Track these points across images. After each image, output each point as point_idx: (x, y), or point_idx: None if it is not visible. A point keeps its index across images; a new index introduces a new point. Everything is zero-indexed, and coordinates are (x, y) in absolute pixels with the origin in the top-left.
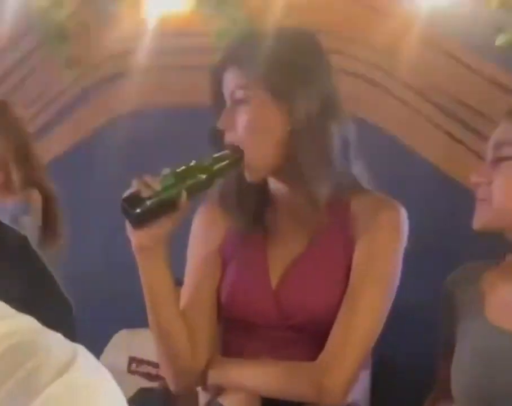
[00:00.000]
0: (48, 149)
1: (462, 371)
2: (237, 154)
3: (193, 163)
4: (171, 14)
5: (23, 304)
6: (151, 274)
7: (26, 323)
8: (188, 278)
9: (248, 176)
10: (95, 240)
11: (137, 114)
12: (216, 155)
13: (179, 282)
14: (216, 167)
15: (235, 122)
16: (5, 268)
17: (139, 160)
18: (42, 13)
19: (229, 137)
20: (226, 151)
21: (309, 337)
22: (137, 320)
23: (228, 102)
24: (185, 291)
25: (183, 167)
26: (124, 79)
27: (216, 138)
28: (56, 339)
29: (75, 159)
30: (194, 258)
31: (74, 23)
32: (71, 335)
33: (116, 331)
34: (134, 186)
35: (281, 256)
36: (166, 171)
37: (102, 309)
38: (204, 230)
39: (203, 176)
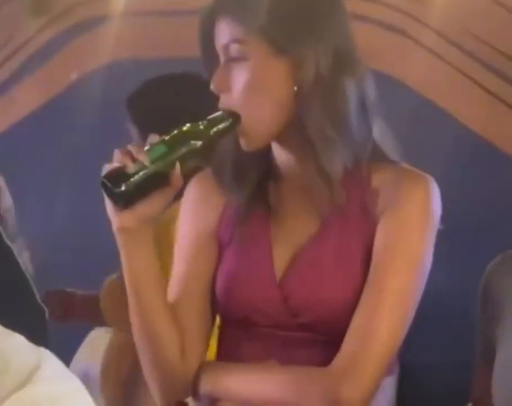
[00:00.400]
0: (9, 109)
1: (507, 379)
2: (235, 115)
3: (185, 127)
4: None
5: None
6: (136, 261)
7: None
8: (177, 265)
9: (245, 145)
10: (64, 216)
11: (112, 68)
12: (210, 117)
13: None
14: (213, 130)
15: (231, 82)
16: None
17: (114, 122)
18: None
19: (224, 101)
20: (221, 113)
21: (322, 337)
22: None
23: (222, 59)
24: (173, 281)
25: (174, 133)
26: (98, 27)
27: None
28: (18, 343)
29: (41, 121)
30: (184, 240)
31: None
32: (43, 341)
33: (91, 329)
34: (117, 159)
35: (287, 240)
36: (154, 138)
37: None
38: (197, 207)
39: (199, 143)
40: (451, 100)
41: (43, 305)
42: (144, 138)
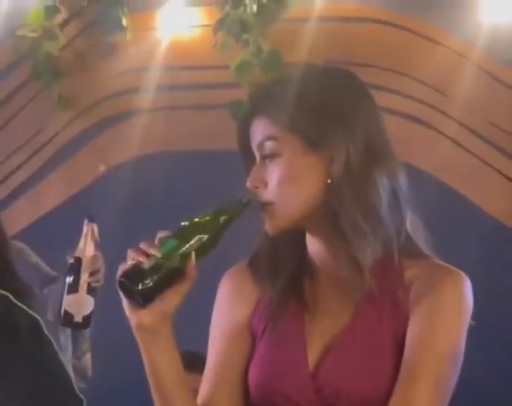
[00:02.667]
0: (36, 203)
1: None
2: (245, 200)
3: (195, 219)
4: (181, 45)
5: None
6: (157, 359)
7: None
8: (210, 358)
9: (269, 228)
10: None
11: (140, 162)
12: (219, 206)
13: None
14: (222, 219)
15: (266, 178)
16: (13, 361)
17: (143, 216)
18: (32, 44)
19: (260, 195)
20: (231, 201)
21: None
22: None
23: (257, 156)
24: (206, 374)
25: (184, 226)
26: (126, 122)
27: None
28: None
29: (68, 217)
30: (218, 332)
31: (69, 56)
32: None
33: None
34: (130, 258)
35: (320, 331)
36: (163, 233)
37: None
38: (232, 299)
39: (209, 234)
40: (475, 188)
41: (81, 396)
42: None
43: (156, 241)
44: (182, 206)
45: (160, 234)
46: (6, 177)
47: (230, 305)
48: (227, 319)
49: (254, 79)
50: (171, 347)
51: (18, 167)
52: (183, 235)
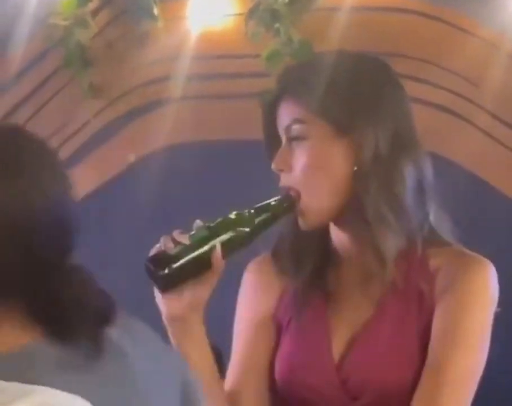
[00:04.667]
0: None
1: None
2: (286, 203)
3: (230, 214)
4: (212, 34)
5: None
6: (187, 350)
7: None
8: (236, 350)
9: (303, 224)
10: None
11: (171, 151)
12: (258, 205)
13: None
14: (259, 219)
15: (292, 161)
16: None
17: (173, 206)
18: (63, 33)
19: (284, 180)
20: (271, 200)
21: None
22: None
23: (283, 139)
24: (232, 366)
25: (219, 219)
26: (157, 110)
27: None
28: None
29: (98, 204)
30: (242, 325)
31: (99, 45)
32: None
33: None
34: (161, 244)
35: (345, 322)
36: (199, 223)
37: None
38: (256, 291)
39: (243, 230)
40: (506, 180)
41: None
42: None
43: (193, 230)
44: (212, 195)
45: (196, 224)
46: None
47: (255, 297)
48: (252, 310)
49: None
50: (202, 340)
51: None
52: (216, 227)
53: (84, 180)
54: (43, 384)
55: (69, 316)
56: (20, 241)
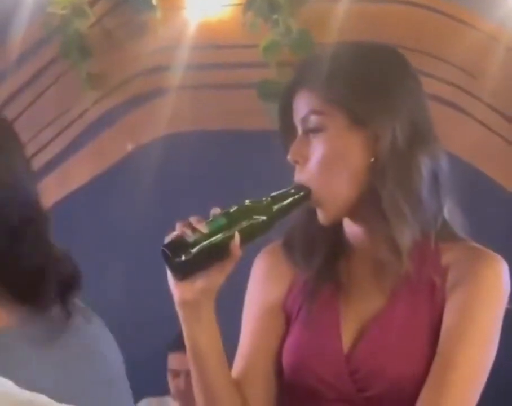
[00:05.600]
0: (65, 181)
1: None
2: (302, 192)
3: (247, 202)
4: (211, 24)
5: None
6: (198, 336)
7: None
8: (244, 337)
9: (322, 218)
10: (115, 285)
11: (169, 140)
12: (275, 193)
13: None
14: (276, 207)
15: (308, 153)
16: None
17: (171, 195)
18: (61, 22)
19: (299, 174)
20: (287, 189)
21: None
22: (161, 386)
23: (299, 130)
24: (239, 354)
25: (236, 207)
26: (156, 100)
27: None
28: None
29: (96, 194)
30: (252, 312)
31: (97, 34)
32: None
33: (138, 400)
34: (177, 230)
35: (355, 313)
36: (216, 210)
37: None
38: (266, 279)
39: (261, 218)
40: (503, 171)
41: None
42: None
43: (210, 217)
44: (210, 185)
45: (213, 211)
46: (34, 154)
47: (265, 285)
48: (261, 298)
49: (283, 59)
50: (212, 327)
51: (47, 144)
52: (233, 215)
53: (82, 169)
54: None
55: (35, 283)
56: None
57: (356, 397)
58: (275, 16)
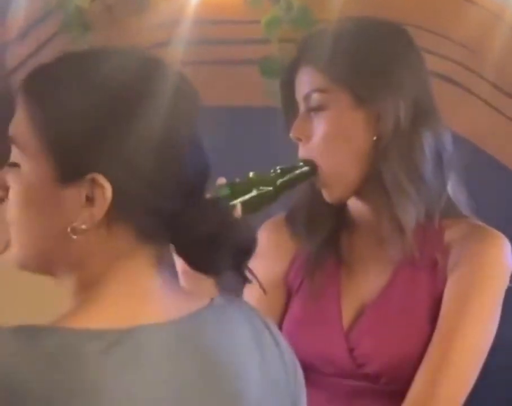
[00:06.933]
0: None
1: None
2: (309, 166)
3: (252, 174)
4: (212, 0)
5: None
6: None
7: None
8: None
9: (328, 196)
10: None
11: None
12: (282, 166)
13: None
14: (281, 180)
15: (311, 131)
16: None
17: None
18: None
19: (303, 151)
20: (295, 163)
21: (387, 388)
22: None
23: (302, 108)
24: None
25: (242, 179)
26: None
27: None
28: None
29: None
30: (254, 285)
31: (98, 9)
32: None
33: None
34: None
35: (356, 290)
36: (221, 180)
37: None
38: (269, 251)
39: (265, 190)
40: (508, 152)
41: None
42: None
43: (215, 187)
44: (212, 160)
45: (219, 181)
46: None
47: (267, 258)
48: (263, 271)
49: (284, 35)
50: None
51: None
52: (237, 186)
53: None
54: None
55: (208, 249)
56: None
57: (355, 373)
58: None
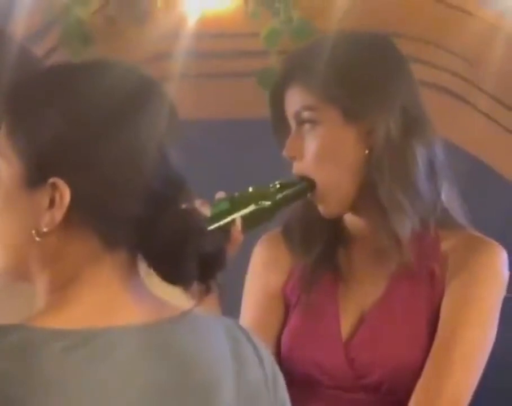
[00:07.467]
0: None
1: None
2: (307, 182)
3: (251, 189)
4: (212, 13)
5: None
6: None
7: None
8: (243, 323)
9: (324, 212)
10: None
11: None
12: (281, 181)
13: None
14: (281, 195)
15: (303, 148)
16: None
17: None
18: (62, 9)
19: (297, 167)
20: (293, 179)
21: (387, 399)
22: None
23: (292, 125)
24: None
25: (242, 192)
26: None
27: None
28: None
29: None
30: (252, 299)
31: (99, 22)
32: None
33: None
34: None
35: (354, 301)
36: (221, 194)
37: None
38: (266, 266)
39: (265, 205)
40: (505, 162)
41: None
42: None
43: (214, 201)
44: (210, 173)
45: (218, 195)
46: None
47: (264, 272)
48: (261, 286)
49: (284, 47)
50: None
51: None
52: (237, 200)
53: None
54: None
55: (174, 256)
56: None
57: (354, 384)
58: (277, 5)
